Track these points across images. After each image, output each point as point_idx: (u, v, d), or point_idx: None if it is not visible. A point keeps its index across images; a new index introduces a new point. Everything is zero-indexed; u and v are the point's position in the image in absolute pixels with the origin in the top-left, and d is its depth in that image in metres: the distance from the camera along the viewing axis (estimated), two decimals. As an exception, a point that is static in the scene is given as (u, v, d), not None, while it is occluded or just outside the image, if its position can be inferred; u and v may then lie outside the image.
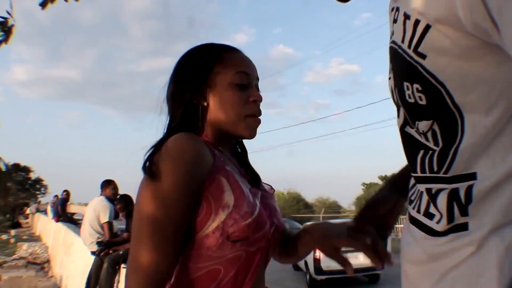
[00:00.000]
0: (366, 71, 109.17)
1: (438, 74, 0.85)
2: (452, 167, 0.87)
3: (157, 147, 1.12)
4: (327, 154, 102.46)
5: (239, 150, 1.40)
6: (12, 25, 3.31)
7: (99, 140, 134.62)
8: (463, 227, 0.86)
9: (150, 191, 1.08)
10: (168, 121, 1.27)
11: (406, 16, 0.91)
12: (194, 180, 1.08)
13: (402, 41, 0.92)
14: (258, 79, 1.33)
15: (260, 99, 1.27)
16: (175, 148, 1.08)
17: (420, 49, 0.87)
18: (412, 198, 1.03)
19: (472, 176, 0.86)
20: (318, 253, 14.05)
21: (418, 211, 0.97)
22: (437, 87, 0.86)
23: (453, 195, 0.88)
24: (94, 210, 6.40)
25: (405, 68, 0.92)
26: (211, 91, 1.23)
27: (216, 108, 1.23)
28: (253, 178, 1.33)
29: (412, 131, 0.97)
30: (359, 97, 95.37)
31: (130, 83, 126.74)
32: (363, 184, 56.44)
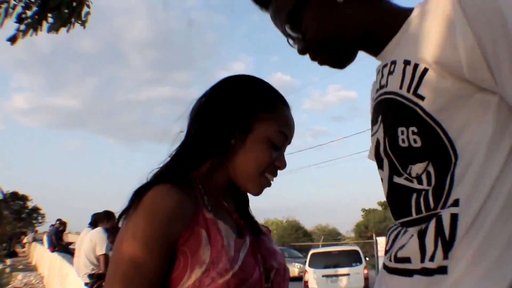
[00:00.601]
0: (363, 97, 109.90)
1: (435, 114, 0.89)
2: (448, 200, 0.89)
3: (140, 193, 1.07)
4: (326, 181, 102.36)
5: (241, 195, 1.30)
6: None
7: (98, 169, 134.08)
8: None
9: (124, 238, 1.04)
10: (183, 142, 1.20)
11: (406, 62, 0.96)
12: (167, 235, 1.02)
13: (401, 87, 0.96)
14: (290, 143, 1.26)
15: (284, 167, 1.22)
16: (151, 203, 1.04)
17: (419, 91, 0.91)
18: (392, 248, 1.02)
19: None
20: (307, 277, 14.08)
21: (399, 257, 0.97)
22: (433, 127, 0.90)
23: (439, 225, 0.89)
24: (91, 241, 6.39)
25: (401, 114, 0.95)
26: (246, 133, 1.16)
27: (241, 152, 1.16)
28: (250, 223, 1.25)
29: (401, 180, 0.98)
30: (357, 122, 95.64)
31: (129, 112, 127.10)
32: (363, 210, 56.31)
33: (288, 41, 1.16)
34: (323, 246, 23.53)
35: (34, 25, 3.76)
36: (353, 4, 1.06)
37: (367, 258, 19.69)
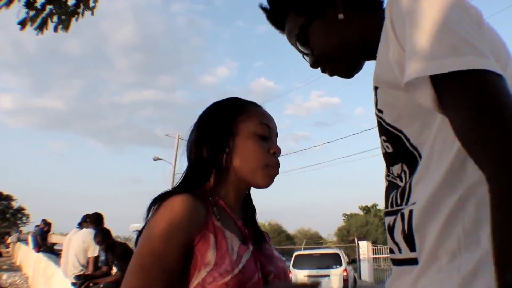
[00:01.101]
0: (345, 103, 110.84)
1: (395, 124, 1.00)
2: (410, 198, 0.97)
3: (159, 200, 1.19)
4: (308, 185, 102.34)
5: (249, 205, 1.43)
6: None
7: (83, 171, 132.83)
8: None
9: (146, 237, 1.15)
10: (187, 166, 1.33)
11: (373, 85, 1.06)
12: (183, 236, 1.12)
13: (374, 104, 1.07)
14: (277, 135, 1.40)
15: (279, 152, 1.33)
16: (170, 208, 1.14)
17: (378, 106, 1.04)
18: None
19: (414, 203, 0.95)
20: (291, 277, 14.45)
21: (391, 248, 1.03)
22: (397, 135, 1.00)
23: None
24: (83, 242, 6.39)
25: (378, 125, 1.08)
26: (234, 138, 1.29)
27: (237, 155, 1.28)
28: (255, 232, 1.34)
29: (391, 178, 1.08)
30: (339, 128, 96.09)
31: (114, 115, 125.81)
32: (344, 215, 56.51)
33: (303, 57, 1.27)
34: (305, 249, 23.91)
35: (40, 12, 3.61)
36: (353, 17, 1.14)
37: (352, 261, 20.24)
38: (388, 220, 1.02)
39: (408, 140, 0.98)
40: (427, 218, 0.90)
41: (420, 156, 0.96)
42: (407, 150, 0.99)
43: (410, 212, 0.94)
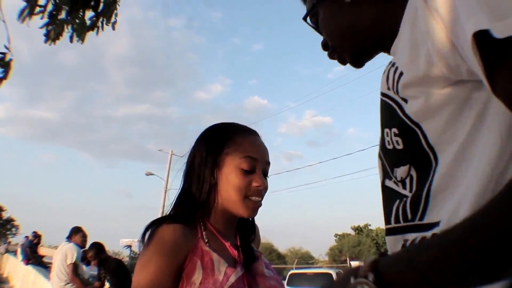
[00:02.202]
0: (338, 123, 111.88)
1: (414, 115, 0.83)
2: (426, 212, 0.81)
3: (153, 226, 1.28)
4: (300, 204, 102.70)
5: (245, 227, 1.49)
6: (11, 60, 3.23)
7: (73, 183, 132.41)
8: None
9: (141, 266, 1.22)
10: (180, 188, 1.41)
11: (392, 64, 0.92)
12: (171, 264, 1.21)
13: (388, 88, 0.91)
14: (268, 163, 1.42)
15: (262, 185, 1.35)
16: (156, 239, 1.23)
17: (401, 93, 0.86)
18: None
19: (438, 224, 0.79)
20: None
21: None
22: (412, 129, 0.84)
23: None
24: (62, 254, 6.45)
25: (386, 115, 0.93)
26: (219, 170, 1.35)
27: (221, 187, 1.34)
28: (247, 254, 1.39)
29: (391, 183, 0.93)
30: (331, 148, 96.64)
31: (106, 128, 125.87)
32: (336, 235, 56.52)
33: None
34: (297, 268, 24.05)
35: (62, 24, 3.56)
36: (363, 3, 1.02)
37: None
38: (393, 241, 0.88)
39: (425, 137, 0.81)
40: None
41: (436, 160, 0.80)
42: (421, 150, 0.82)
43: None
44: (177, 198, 1.40)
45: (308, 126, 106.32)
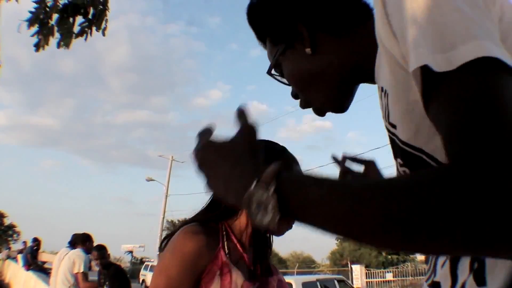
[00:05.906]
0: (338, 128, 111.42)
1: (412, 141, 0.75)
2: None
3: (173, 233, 1.31)
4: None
5: (263, 240, 1.48)
6: None
7: (74, 189, 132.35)
8: None
9: (161, 269, 1.25)
10: (209, 199, 1.42)
11: (381, 89, 0.85)
12: (190, 273, 1.23)
13: (384, 117, 0.84)
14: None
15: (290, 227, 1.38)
16: (179, 245, 1.25)
17: (390, 120, 0.80)
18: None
19: None
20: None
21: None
22: (416, 156, 0.75)
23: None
24: (69, 259, 6.43)
25: (391, 145, 0.85)
26: None
27: None
28: (264, 268, 1.42)
29: None
30: (331, 152, 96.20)
31: (106, 134, 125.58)
32: (337, 238, 56.27)
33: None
34: (297, 274, 23.90)
35: (50, 31, 3.63)
36: (327, 48, 0.96)
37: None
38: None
39: (432, 159, 0.72)
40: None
41: None
42: None
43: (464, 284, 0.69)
44: (207, 203, 1.42)
45: (307, 131, 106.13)
